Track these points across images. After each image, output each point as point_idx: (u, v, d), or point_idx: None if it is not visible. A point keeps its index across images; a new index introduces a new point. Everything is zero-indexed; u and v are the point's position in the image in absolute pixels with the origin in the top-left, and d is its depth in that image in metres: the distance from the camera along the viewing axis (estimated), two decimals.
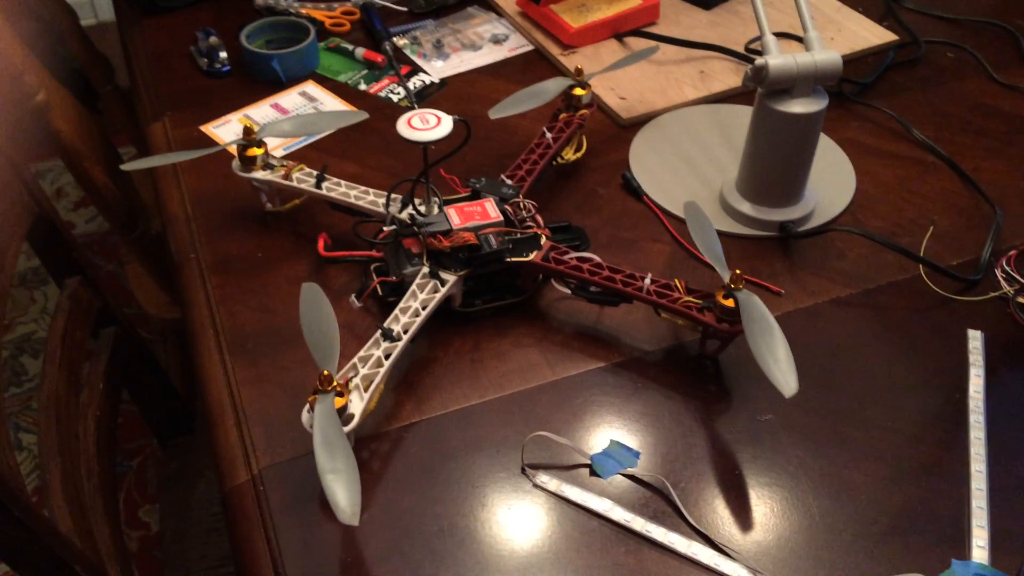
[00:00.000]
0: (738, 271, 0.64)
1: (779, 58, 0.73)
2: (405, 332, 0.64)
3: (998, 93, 0.96)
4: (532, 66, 1.01)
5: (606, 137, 0.91)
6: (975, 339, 0.70)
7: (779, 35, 0.98)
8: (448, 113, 0.69)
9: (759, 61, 0.73)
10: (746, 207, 0.80)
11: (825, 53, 0.73)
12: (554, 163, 0.84)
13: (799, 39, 1.00)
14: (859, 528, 0.59)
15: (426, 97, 0.96)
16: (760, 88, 0.75)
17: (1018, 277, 0.75)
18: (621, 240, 0.80)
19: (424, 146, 0.68)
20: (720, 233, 0.79)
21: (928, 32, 1.05)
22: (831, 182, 0.84)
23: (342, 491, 0.52)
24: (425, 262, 0.69)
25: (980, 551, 0.57)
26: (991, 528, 0.58)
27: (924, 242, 0.79)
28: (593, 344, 0.71)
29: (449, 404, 0.66)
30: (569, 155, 0.85)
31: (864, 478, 0.61)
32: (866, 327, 0.72)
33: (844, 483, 0.61)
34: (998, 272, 0.76)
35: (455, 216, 0.71)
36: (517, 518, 0.59)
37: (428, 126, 0.67)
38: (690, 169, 0.86)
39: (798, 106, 0.74)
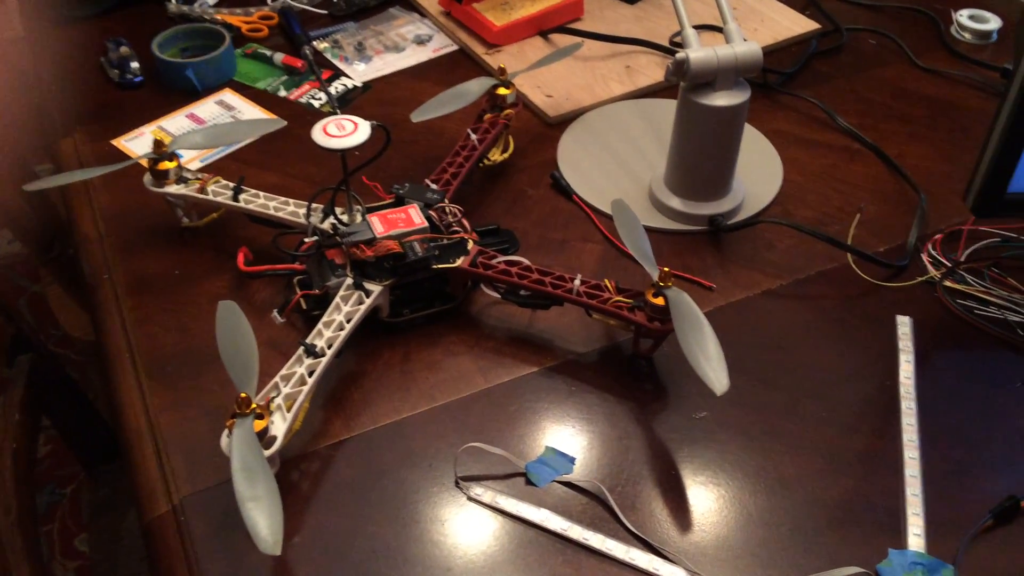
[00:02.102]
0: (666, 269, 0.63)
1: (700, 51, 0.72)
2: (329, 347, 0.62)
3: (920, 78, 0.98)
4: (457, 66, 0.99)
5: (534, 136, 0.90)
6: (904, 325, 0.71)
7: (703, 28, 0.98)
8: (372, 117, 0.67)
9: (680, 55, 0.72)
10: (675, 202, 0.80)
11: (745, 45, 0.73)
12: (481, 165, 0.82)
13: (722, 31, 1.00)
14: (796, 522, 0.58)
15: (349, 101, 0.93)
16: (683, 82, 0.74)
17: (944, 261, 0.75)
18: (552, 241, 0.78)
19: (342, 153, 0.66)
20: (651, 229, 0.78)
21: (850, 19, 1.06)
22: (759, 173, 0.84)
23: (263, 520, 0.50)
24: (349, 273, 0.67)
25: (916, 539, 0.57)
26: (926, 515, 0.58)
27: (852, 230, 0.79)
28: (526, 349, 0.69)
29: (379, 419, 0.64)
30: (496, 156, 0.84)
31: (800, 471, 0.61)
32: (798, 318, 0.72)
33: (780, 477, 0.61)
34: (925, 257, 0.76)
35: (378, 224, 0.69)
36: (452, 534, 0.58)
37: (344, 133, 0.65)
38: (619, 166, 0.86)
39: (721, 99, 0.73)
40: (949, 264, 0.75)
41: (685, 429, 0.64)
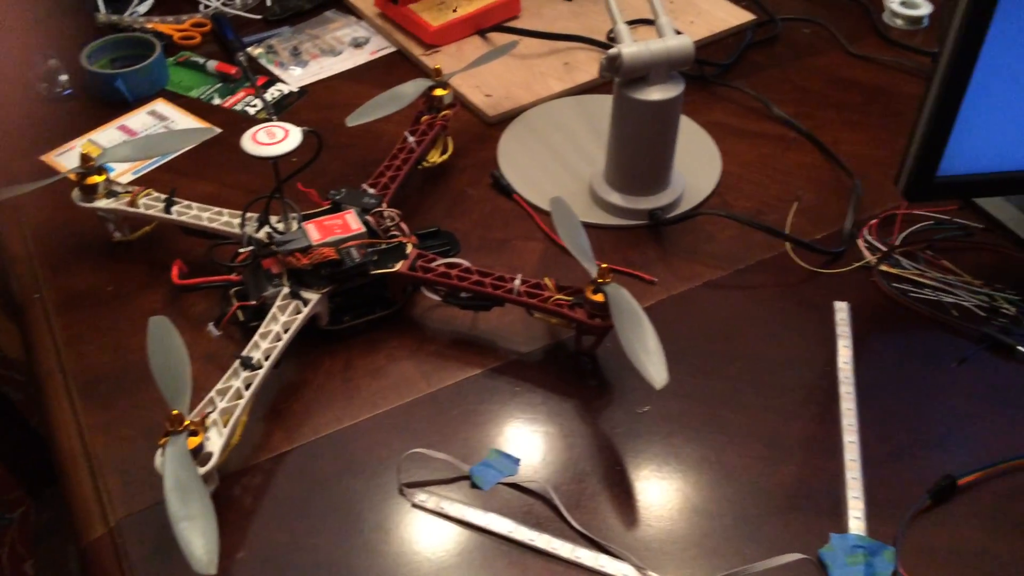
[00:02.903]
0: (604, 265, 0.63)
1: (632, 47, 0.72)
2: (266, 358, 0.61)
3: (854, 65, 0.99)
4: (395, 68, 0.98)
5: (473, 136, 0.89)
6: (841, 310, 0.72)
7: (638, 22, 0.99)
8: (309, 122, 0.66)
9: (612, 51, 0.72)
10: (615, 197, 0.80)
11: (677, 38, 0.73)
12: (420, 167, 0.82)
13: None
14: (740, 511, 0.59)
15: (285, 107, 0.92)
16: (617, 77, 0.74)
17: (879, 245, 0.76)
18: (493, 241, 0.78)
19: (274, 161, 0.65)
20: (592, 225, 0.78)
21: (784, 9, 1.07)
22: (697, 166, 0.85)
23: (197, 538, 0.49)
24: (285, 282, 0.66)
25: (857, 522, 0.58)
26: (866, 498, 0.59)
27: (789, 218, 0.80)
28: (469, 351, 0.69)
29: (321, 429, 0.63)
30: (435, 158, 0.83)
31: (742, 460, 0.62)
32: (738, 308, 0.72)
33: (723, 468, 0.61)
34: (861, 242, 0.77)
35: (314, 231, 0.68)
36: (396, 542, 0.57)
37: (275, 140, 0.64)
38: (559, 163, 0.86)
39: (656, 93, 0.73)
40: (884, 249, 0.76)
41: (629, 424, 0.64)
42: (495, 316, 0.71)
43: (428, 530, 0.58)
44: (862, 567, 0.55)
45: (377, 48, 1.00)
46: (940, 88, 0.65)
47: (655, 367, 0.58)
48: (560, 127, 0.89)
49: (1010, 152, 0.69)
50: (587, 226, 0.76)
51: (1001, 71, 0.64)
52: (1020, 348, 0.68)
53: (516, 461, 0.61)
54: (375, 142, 0.87)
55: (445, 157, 0.84)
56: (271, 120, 0.88)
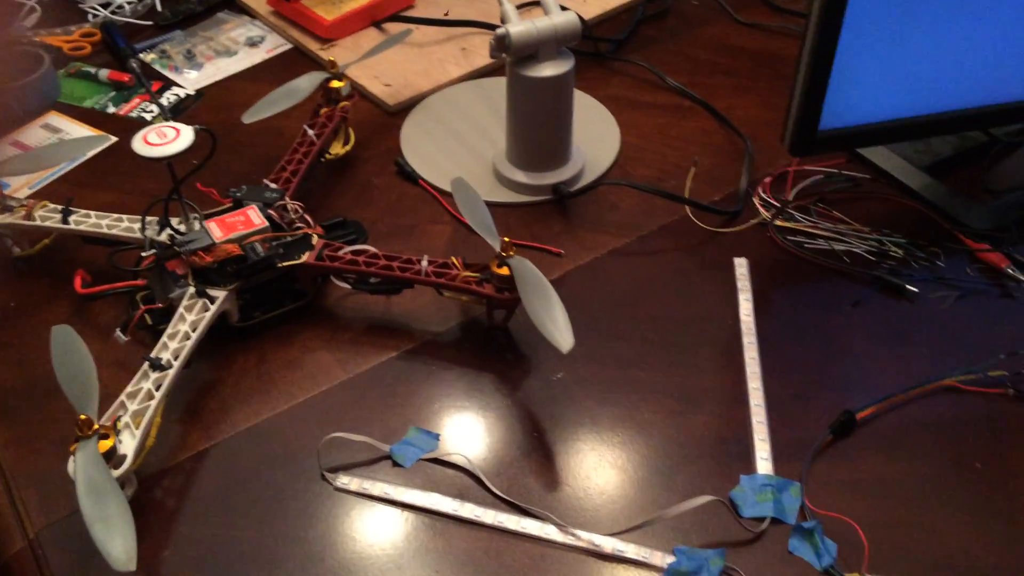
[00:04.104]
0: (507, 239, 0.65)
1: (519, 25, 0.74)
2: (176, 358, 0.61)
3: (742, 33, 1.02)
4: (293, 64, 0.98)
5: (376, 126, 0.90)
6: (741, 266, 0.74)
7: (528, 4, 1.00)
8: (208, 123, 0.66)
9: (499, 31, 0.73)
10: (519, 175, 0.81)
11: (563, 15, 0.75)
12: (323, 160, 0.82)
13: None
14: (654, 464, 0.61)
15: (183, 110, 0.91)
16: (508, 57, 0.76)
17: (773, 202, 0.80)
18: (401, 227, 0.79)
19: (168, 162, 0.64)
20: (498, 204, 0.80)
21: None
22: (597, 139, 0.87)
23: (114, 538, 0.49)
24: (191, 282, 0.66)
25: (764, 463, 0.60)
26: (772, 440, 0.62)
27: (688, 183, 0.82)
28: (384, 335, 0.70)
29: (239, 424, 0.63)
30: (338, 149, 0.83)
31: (655, 416, 0.64)
32: (643, 273, 0.75)
33: (636, 424, 0.63)
34: (756, 201, 0.80)
35: (216, 229, 0.68)
36: (321, 526, 0.58)
37: (166, 140, 0.64)
38: (463, 146, 0.87)
39: (547, 69, 0.75)
40: (778, 205, 0.79)
41: (544, 392, 0.66)
42: (408, 299, 0.72)
43: (353, 512, 0.58)
44: (771, 503, 0.58)
45: (273, 46, 1.00)
46: (812, 46, 0.68)
47: (561, 332, 0.60)
48: (461, 111, 0.91)
49: (884, 103, 0.72)
50: (493, 205, 0.78)
51: (867, 26, 0.67)
52: (909, 287, 0.72)
53: (436, 437, 0.62)
54: (277, 139, 0.87)
55: (348, 148, 0.84)
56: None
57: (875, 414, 0.63)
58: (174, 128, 0.65)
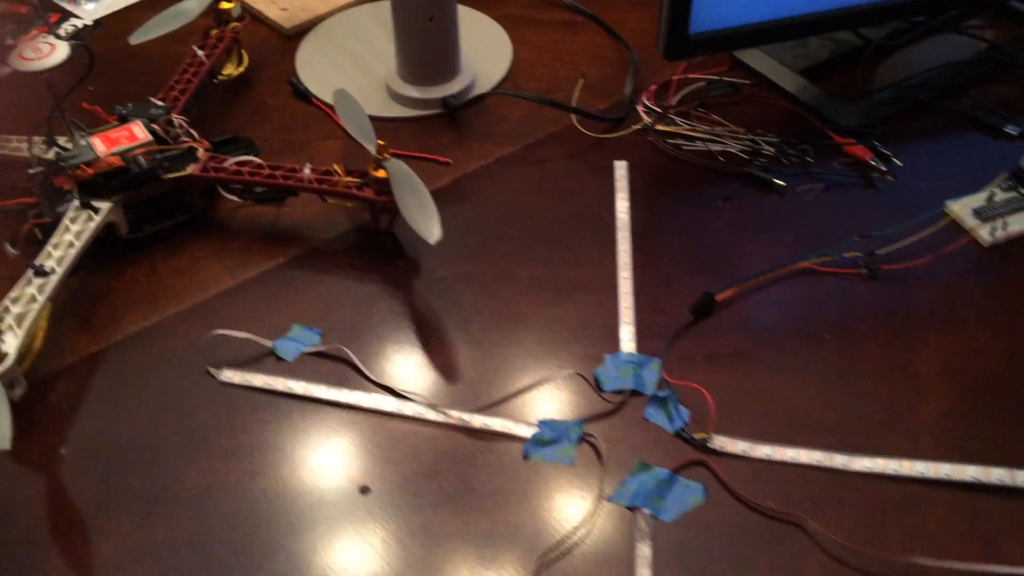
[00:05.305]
0: (381, 142, 0.67)
1: None
2: (59, 265, 0.63)
3: None
4: None
5: (272, 50, 0.91)
6: (620, 168, 0.77)
7: None
8: (106, 53, 0.67)
9: None
10: (410, 90, 0.83)
11: None
12: (216, 80, 0.83)
13: None
14: (527, 348, 0.64)
15: (82, 40, 0.92)
16: None
17: (656, 108, 0.82)
18: (293, 143, 0.81)
19: (46, 76, 0.66)
20: (390, 119, 0.82)
21: None
22: (490, 55, 0.89)
23: None
24: (76, 195, 0.68)
25: (628, 343, 0.64)
26: (637, 323, 0.65)
27: (576, 94, 0.85)
28: (273, 244, 0.72)
29: (128, 328, 0.66)
30: (231, 70, 0.85)
31: (530, 307, 0.67)
32: (528, 177, 0.77)
33: (512, 315, 0.66)
34: (640, 108, 0.83)
35: (100, 144, 0.69)
36: (208, 416, 0.60)
37: (41, 55, 0.65)
38: (358, 67, 0.88)
39: None
40: (659, 111, 0.82)
41: (426, 289, 0.69)
42: (297, 210, 0.74)
43: (236, 403, 0.61)
44: (631, 377, 0.61)
45: None
46: None
47: (428, 225, 0.63)
48: (357, 33, 0.92)
49: (752, 5, 0.75)
50: (386, 120, 0.80)
51: None
52: (777, 181, 0.75)
53: (318, 332, 0.65)
54: (174, 65, 0.87)
55: (241, 69, 0.85)
56: None
57: (735, 296, 0.67)
58: (49, 43, 0.66)
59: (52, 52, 0.65)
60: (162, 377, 0.63)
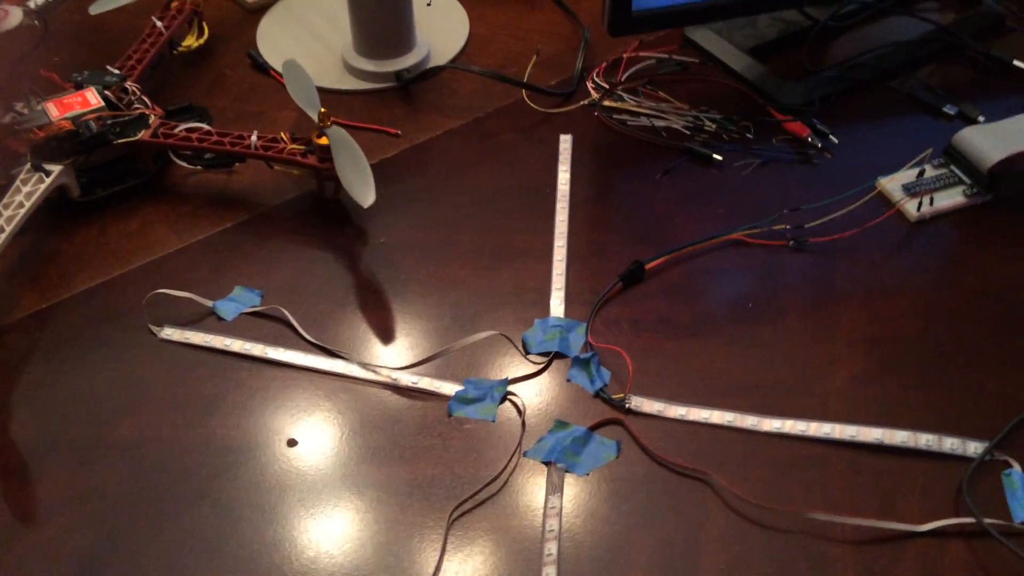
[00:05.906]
0: (323, 110, 0.69)
1: None
2: (9, 224, 0.65)
3: None
4: None
5: (235, 23, 0.93)
6: (565, 141, 0.79)
7: None
8: (74, 25, 0.69)
9: None
10: (364, 64, 0.85)
11: None
12: (176, 52, 0.85)
13: None
14: (458, 312, 0.66)
15: (52, 11, 0.93)
16: None
17: (604, 84, 0.84)
18: (249, 113, 0.83)
19: None
20: (345, 91, 0.84)
21: None
22: (446, 31, 0.91)
23: None
24: (28, 157, 0.70)
25: (558, 308, 0.66)
26: (567, 289, 0.67)
27: (528, 70, 0.87)
28: (222, 209, 0.74)
29: (75, 287, 0.68)
30: (191, 42, 0.87)
31: (466, 272, 0.69)
32: (476, 149, 0.79)
33: (449, 280, 0.69)
34: (589, 85, 0.85)
35: (54, 109, 0.71)
36: (145, 371, 0.63)
37: None
38: (317, 40, 0.90)
39: None
40: (607, 87, 0.84)
41: (367, 255, 0.71)
42: (247, 176, 0.76)
43: (175, 359, 0.63)
44: (557, 341, 0.63)
45: None
46: None
47: (363, 188, 0.65)
48: (318, 8, 0.94)
49: None
50: (340, 93, 0.82)
51: None
52: (715, 156, 0.77)
53: (259, 294, 0.67)
54: (137, 37, 0.90)
55: (202, 41, 0.87)
56: (35, 24, 0.90)
57: (665, 265, 0.69)
58: (3, 9, 0.68)
59: (5, 18, 0.67)
60: (105, 334, 0.65)
